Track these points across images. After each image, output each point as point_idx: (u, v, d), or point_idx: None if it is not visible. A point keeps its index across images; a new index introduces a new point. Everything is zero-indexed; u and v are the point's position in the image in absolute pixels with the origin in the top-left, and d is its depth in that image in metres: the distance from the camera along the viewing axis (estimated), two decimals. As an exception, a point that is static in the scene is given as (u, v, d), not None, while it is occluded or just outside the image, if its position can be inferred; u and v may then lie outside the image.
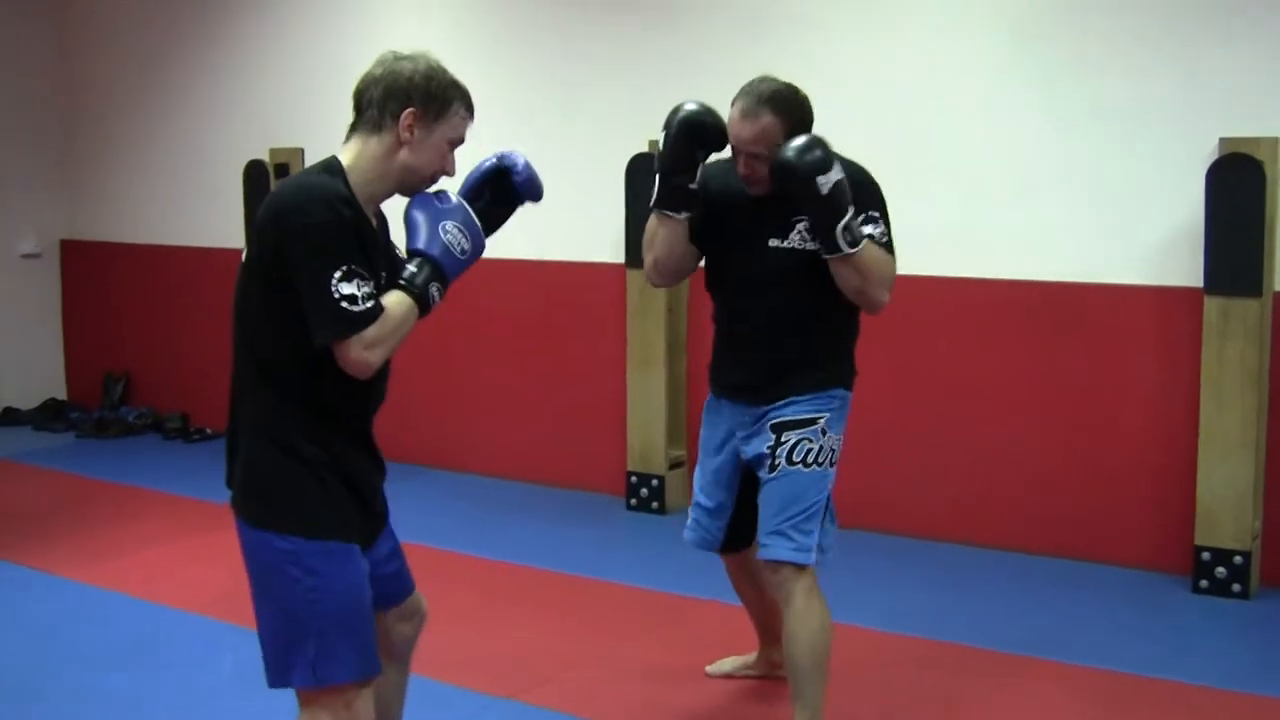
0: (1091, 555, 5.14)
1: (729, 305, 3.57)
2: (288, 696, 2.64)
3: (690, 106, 3.36)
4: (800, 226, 3.35)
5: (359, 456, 2.62)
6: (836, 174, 3.17)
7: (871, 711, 3.80)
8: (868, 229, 3.30)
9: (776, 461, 3.40)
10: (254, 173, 7.09)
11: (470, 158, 2.69)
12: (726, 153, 3.41)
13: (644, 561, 5.26)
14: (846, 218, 3.20)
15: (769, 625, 3.88)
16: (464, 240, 2.59)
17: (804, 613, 3.35)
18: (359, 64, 2.70)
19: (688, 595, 4.76)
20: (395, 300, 2.49)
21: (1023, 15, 5.18)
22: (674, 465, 5.98)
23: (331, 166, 2.53)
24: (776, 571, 3.39)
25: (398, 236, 2.68)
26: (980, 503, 5.38)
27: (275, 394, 2.51)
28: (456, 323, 5.89)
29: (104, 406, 8.10)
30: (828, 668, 3.38)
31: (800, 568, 3.36)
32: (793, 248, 3.37)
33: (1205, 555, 4.76)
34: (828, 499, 3.44)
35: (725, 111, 3.37)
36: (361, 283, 2.41)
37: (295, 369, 2.49)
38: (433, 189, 2.65)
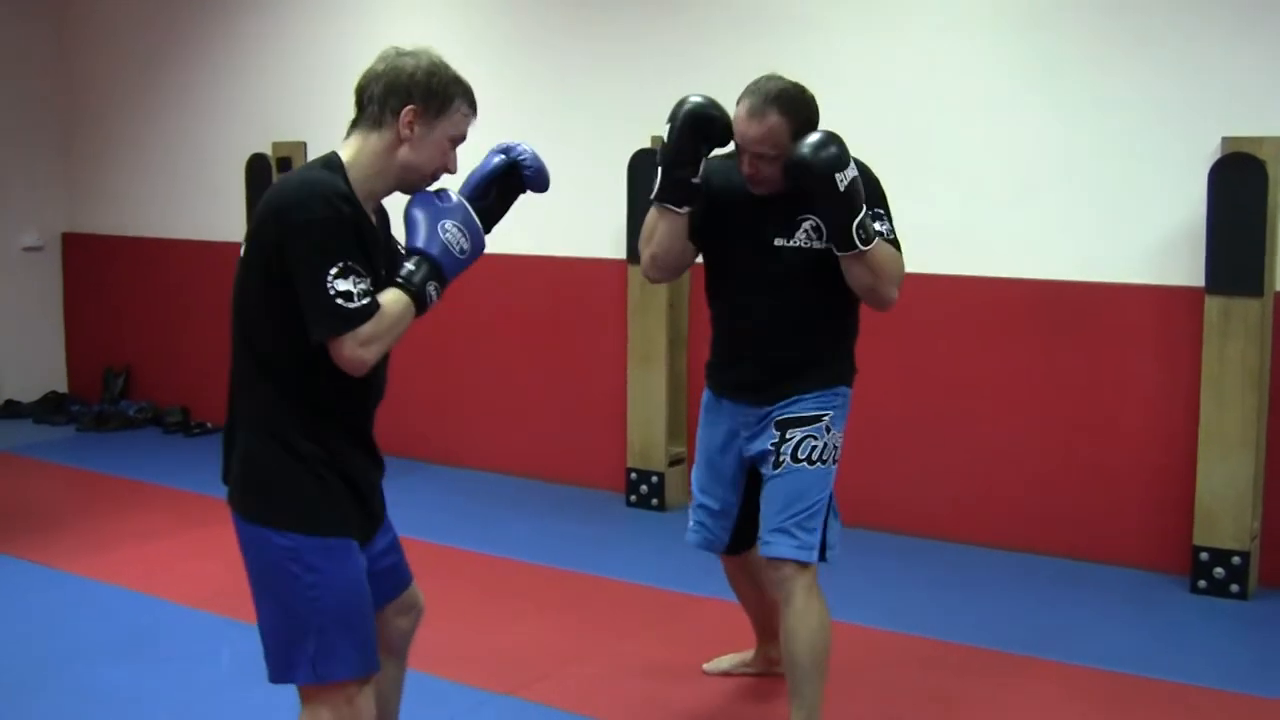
0: (1090, 555, 5.14)
1: (731, 303, 3.55)
2: (286, 691, 2.65)
3: (696, 99, 3.34)
4: (806, 225, 3.34)
5: (357, 453, 2.62)
6: (852, 171, 3.17)
7: (871, 710, 3.80)
8: (876, 225, 3.29)
9: (781, 458, 3.39)
10: (256, 167, 7.09)
11: (470, 155, 2.69)
12: (729, 147, 3.40)
13: (643, 558, 5.26)
14: (861, 215, 3.20)
15: (767, 623, 3.88)
16: (463, 239, 2.58)
17: (804, 611, 3.34)
18: (361, 57, 2.70)
19: (687, 592, 4.77)
20: (392, 298, 2.48)
21: (1024, 14, 5.18)
22: (674, 462, 5.98)
23: (331, 162, 2.52)
24: (778, 569, 3.38)
25: (400, 232, 2.67)
26: (980, 502, 5.38)
27: (273, 389, 2.51)
28: (457, 318, 5.89)
29: (104, 400, 8.11)
30: (826, 666, 3.38)
31: (802, 565, 3.35)
32: (799, 246, 3.37)
33: (1204, 555, 4.76)
34: (831, 496, 3.44)
35: (728, 108, 3.36)
36: (358, 279, 2.40)
37: (293, 365, 2.49)
38: (433, 187, 2.64)
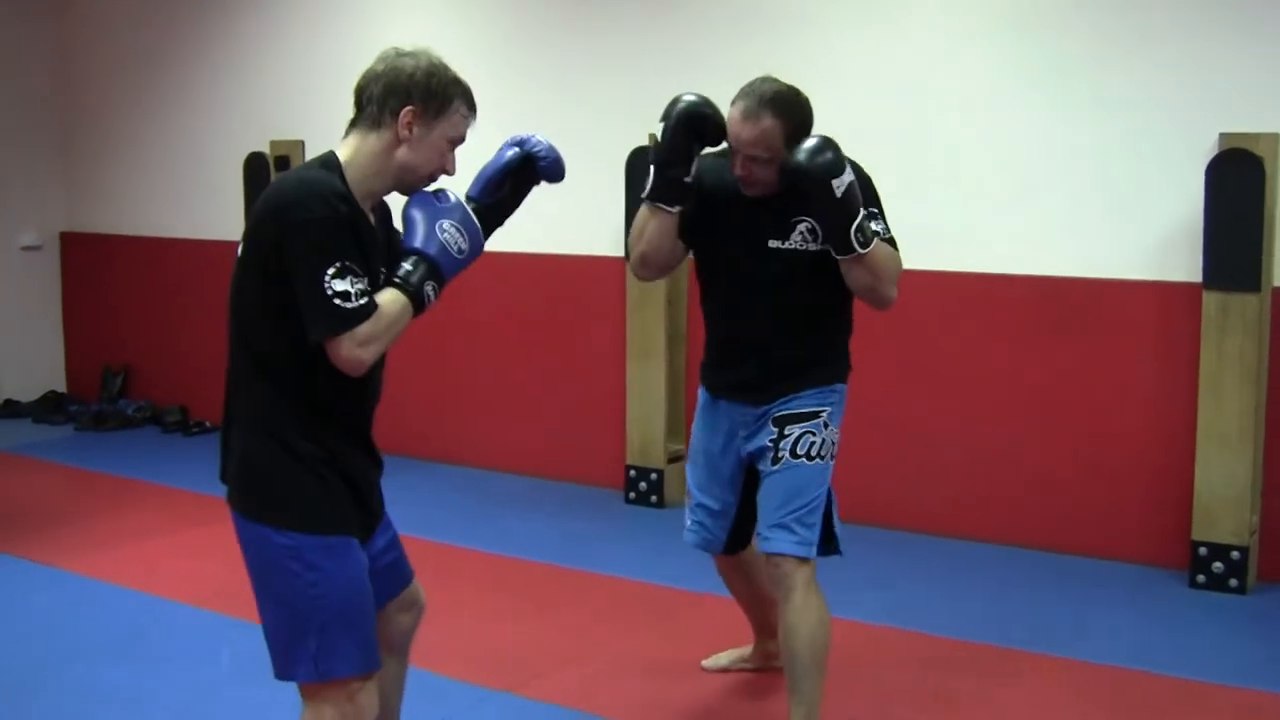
0: (1089, 550, 5.14)
1: (725, 303, 3.55)
2: (287, 689, 2.65)
3: (690, 98, 3.33)
4: (801, 227, 3.34)
5: (355, 453, 2.62)
6: (849, 175, 3.16)
7: (871, 706, 3.80)
8: (873, 225, 3.29)
9: (780, 454, 3.40)
10: (254, 165, 7.10)
11: (467, 153, 2.69)
12: (722, 145, 3.40)
13: (642, 555, 5.26)
14: (859, 218, 3.20)
15: (763, 618, 3.89)
16: (461, 239, 2.58)
17: (804, 607, 3.34)
18: (360, 56, 2.70)
19: (686, 589, 4.77)
20: (389, 298, 2.48)
21: (1022, 11, 5.18)
22: (673, 459, 5.98)
23: (329, 162, 2.52)
24: (778, 565, 3.38)
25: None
26: (978, 497, 5.39)
27: (271, 389, 2.51)
28: (456, 317, 5.89)
29: (103, 399, 8.11)
30: (826, 662, 3.38)
31: (801, 561, 3.36)
32: (794, 249, 3.36)
33: (1203, 550, 4.76)
34: (830, 492, 3.45)
35: (724, 107, 3.35)
36: (355, 279, 2.40)
37: (291, 364, 2.49)
38: (432, 187, 2.64)
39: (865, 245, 3.21)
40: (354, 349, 2.42)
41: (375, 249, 2.54)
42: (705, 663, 4.05)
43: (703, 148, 3.36)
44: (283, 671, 2.57)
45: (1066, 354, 5.17)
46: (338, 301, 2.38)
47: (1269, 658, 4.16)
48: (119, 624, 4.50)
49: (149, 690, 3.92)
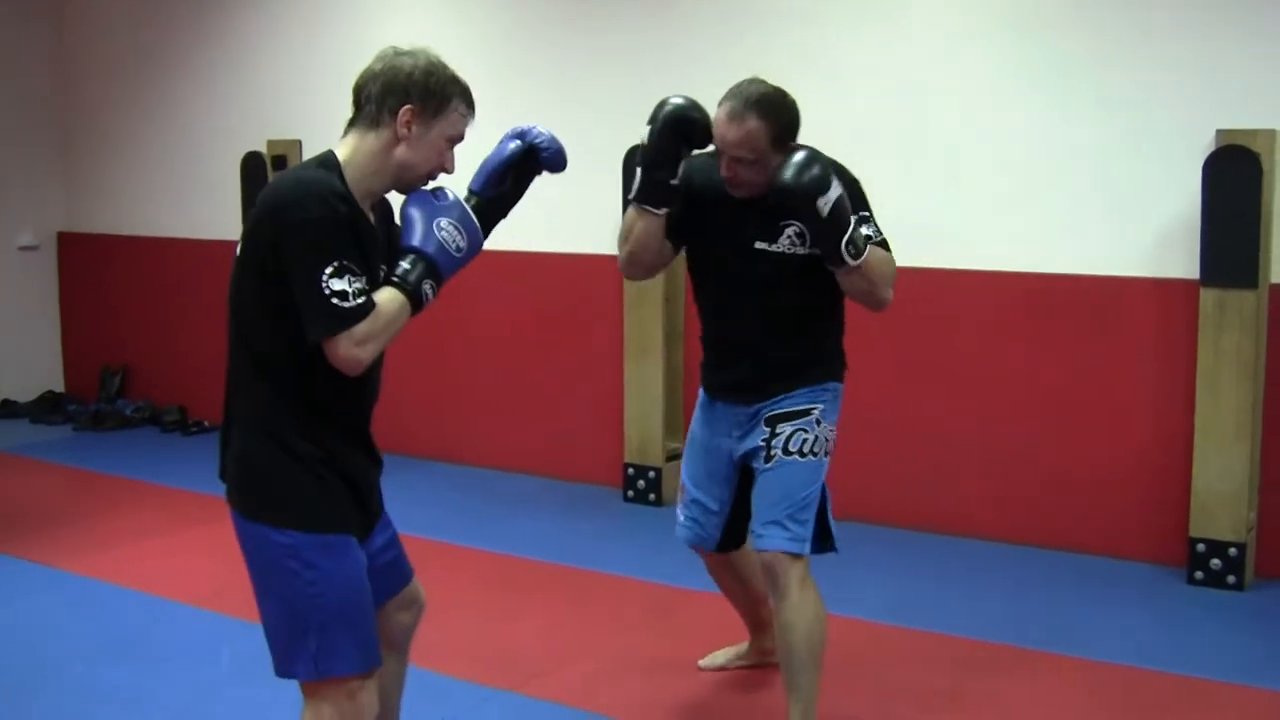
0: (1086, 547, 5.15)
1: (715, 304, 3.57)
2: (286, 688, 2.65)
3: (676, 101, 3.33)
4: (789, 230, 3.34)
5: (354, 453, 2.62)
6: (836, 190, 3.15)
7: (871, 703, 3.81)
8: (864, 230, 3.29)
9: (772, 452, 3.40)
10: (251, 165, 7.09)
11: (465, 152, 2.69)
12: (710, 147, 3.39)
13: (641, 553, 5.26)
14: (849, 231, 3.19)
15: (756, 616, 3.90)
16: (459, 238, 2.58)
17: (800, 604, 3.35)
18: (357, 55, 2.70)
19: (684, 587, 4.77)
20: (387, 297, 2.48)
21: (1021, 10, 5.18)
22: (671, 457, 5.98)
23: (328, 161, 2.53)
24: (772, 562, 3.39)
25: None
26: (976, 495, 5.39)
27: (270, 388, 2.52)
28: (454, 315, 5.89)
29: (101, 399, 8.10)
30: (822, 658, 3.39)
31: (795, 558, 3.36)
32: (782, 252, 3.36)
33: (1200, 547, 4.77)
34: (824, 490, 3.45)
35: (713, 107, 3.34)
36: (353, 279, 2.41)
37: (289, 364, 2.49)
38: (430, 186, 2.64)
39: (858, 256, 3.21)
40: (351, 348, 2.42)
41: (375, 248, 2.54)
42: (702, 662, 4.06)
43: (690, 150, 3.36)
44: (283, 669, 2.57)
45: (1064, 351, 5.17)
46: (335, 301, 2.38)
47: (1267, 654, 4.16)
48: (118, 624, 4.50)
49: (148, 690, 3.92)
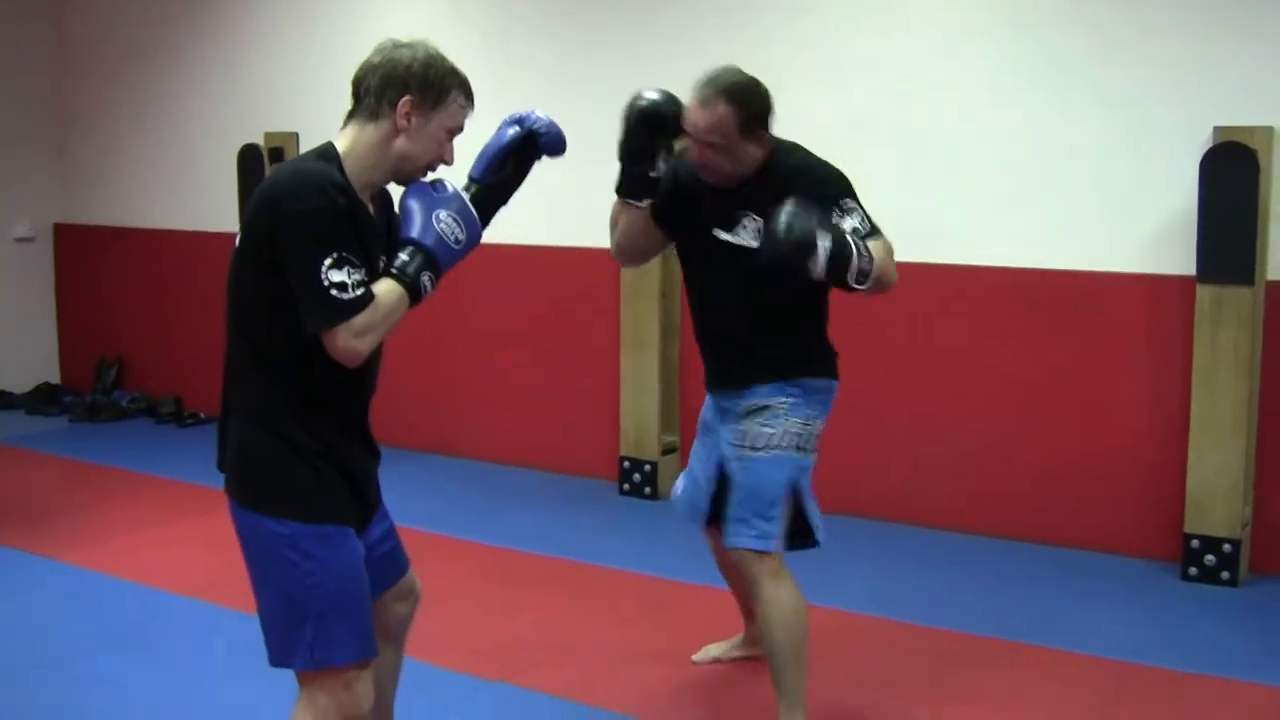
0: (1081, 542, 5.16)
1: (696, 295, 3.60)
2: (282, 679, 2.66)
3: (648, 96, 3.35)
4: (746, 221, 3.34)
5: (352, 444, 2.63)
6: (825, 241, 3.09)
7: (862, 696, 3.81)
8: (850, 222, 3.26)
9: (740, 449, 3.42)
10: (248, 157, 7.09)
11: (464, 143, 2.69)
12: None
13: (636, 547, 5.27)
14: (852, 264, 3.12)
15: (748, 602, 3.91)
16: (458, 230, 2.58)
17: (773, 600, 3.35)
18: (354, 47, 2.70)
19: (680, 580, 4.78)
20: (386, 289, 2.48)
21: (1019, 3, 5.19)
22: (667, 451, 5.99)
23: (327, 153, 2.53)
24: (740, 560, 3.41)
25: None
26: (971, 489, 5.40)
27: (268, 380, 2.52)
28: (450, 308, 5.88)
29: (97, 391, 8.10)
30: (805, 650, 3.37)
31: (762, 554, 3.36)
32: (741, 243, 3.35)
33: (1195, 543, 4.77)
34: (798, 484, 3.42)
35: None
36: (352, 270, 2.41)
37: (287, 355, 2.50)
38: (430, 177, 2.64)
39: (865, 280, 3.16)
40: (350, 340, 2.43)
41: (374, 239, 2.54)
42: (695, 656, 4.06)
43: (666, 141, 3.37)
44: (279, 660, 2.57)
45: (1061, 347, 5.18)
46: (334, 292, 2.39)
47: (1260, 650, 4.17)
48: (114, 615, 4.50)
49: (144, 680, 3.93)
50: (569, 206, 6.10)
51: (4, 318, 8.15)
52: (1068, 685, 3.89)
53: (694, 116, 3.30)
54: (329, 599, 2.51)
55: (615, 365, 6.06)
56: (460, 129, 2.64)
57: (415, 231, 2.54)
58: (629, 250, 3.59)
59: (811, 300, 3.45)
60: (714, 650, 4.07)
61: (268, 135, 7.01)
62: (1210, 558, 4.74)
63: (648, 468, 5.98)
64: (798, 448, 3.41)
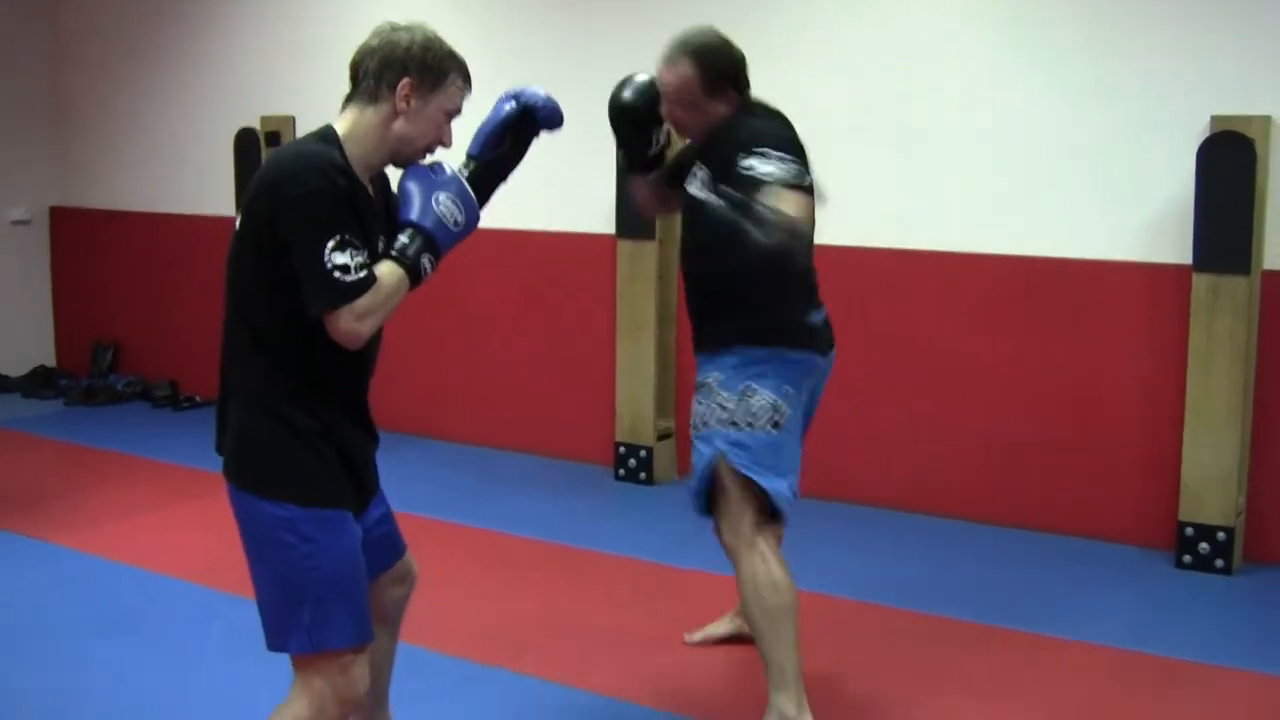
0: (1076, 529, 5.17)
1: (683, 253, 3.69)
2: (276, 663, 2.66)
3: (621, 97, 3.47)
4: (699, 174, 3.36)
5: (352, 428, 2.63)
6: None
7: (856, 681, 3.83)
8: (764, 167, 3.10)
9: (692, 431, 3.46)
10: (245, 141, 7.08)
11: (461, 126, 2.69)
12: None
13: (632, 532, 5.27)
14: (754, 213, 2.95)
15: None
16: (457, 212, 2.59)
17: (746, 573, 3.35)
18: (351, 31, 2.70)
19: (675, 565, 4.79)
20: (387, 271, 2.49)
21: (1016, -9, 5.19)
22: (662, 436, 6.00)
23: (327, 135, 2.53)
24: (717, 535, 3.44)
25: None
26: (964, 476, 5.41)
27: (268, 363, 2.52)
28: (447, 293, 5.88)
29: (93, 374, 8.09)
30: (788, 626, 3.33)
31: (732, 531, 3.37)
32: (693, 194, 3.38)
33: (1189, 531, 4.78)
34: (721, 456, 3.34)
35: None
36: (355, 252, 2.41)
37: (287, 339, 2.50)
38: (428, 160, 2.65)
39: (772, 236, 2.96)
40: (352, 322, 2.43)
41: (374, 221, 2.55)
42: (688, 637, 4.06)
43: (652, 122, 3.49)
44: (275, 643, 2.57)
45: (1057, 336, 5.18)
46: (337, 274, 2.39)
47: (1254, 638, 4.18)
48: (109, 598, 4.50)
49: (139, 664, 3.93)
50: (567, 192, 6.10)
51: (0, 301, 8.14)
52: (1062, 672, 3.90)
53: (662, 75, 3.40)
54: (326, 582, 2.51)
55: (611, 350, 6.06)
56: (458, 111, 2.65)
57: (414, 214, 2.55)
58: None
59: (754, 258, 3.39)
60: (709, 629, 4.07)
61: (264, 119, 6.99)
62: (1204, 546, 4.75)
63: (643, 453, 5.98)
64: (731, 423, 3.34)
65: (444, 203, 2.57)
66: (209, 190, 7.40)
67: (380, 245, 2.54)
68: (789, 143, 3.28)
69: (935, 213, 5.34)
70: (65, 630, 4.19)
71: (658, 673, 3.89)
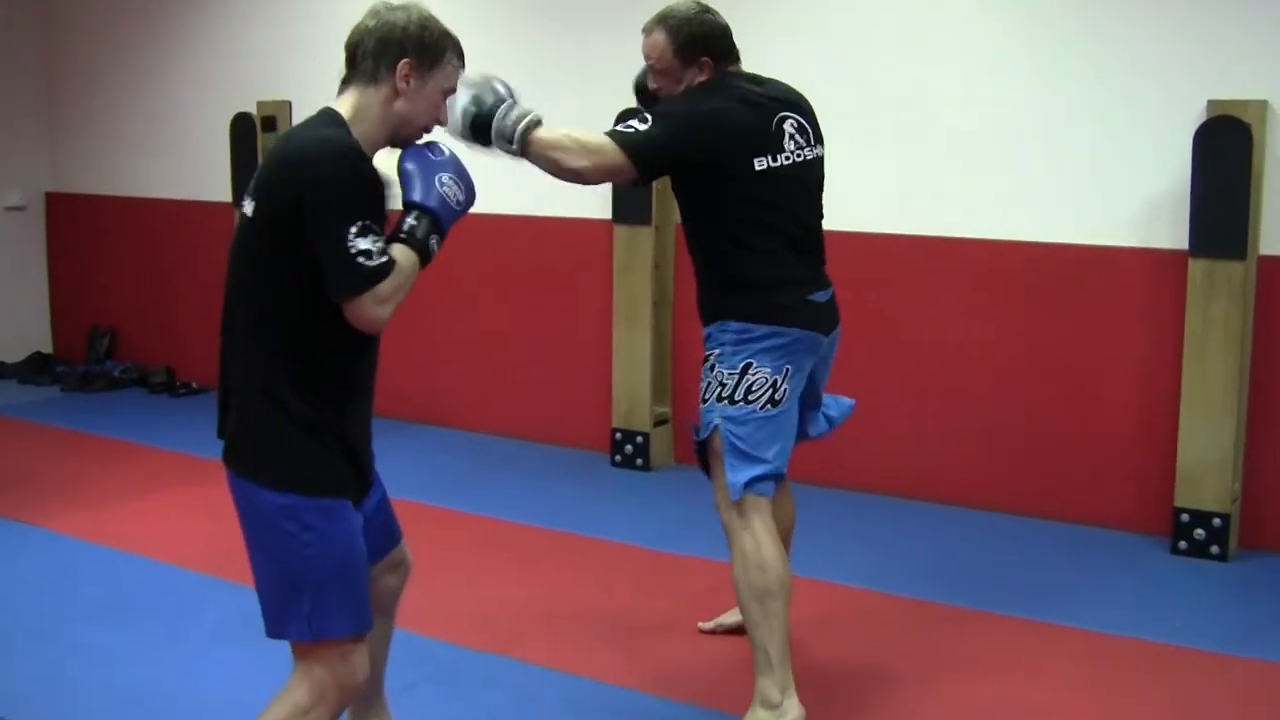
0: (1072, 515, 5.17)
1: None
2: (272, 650, 2.66)
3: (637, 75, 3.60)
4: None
5: (355, 416, 2.63)
6: (465, 100, 3.20)
7: (850, 667, 3.83)
8: (631, 122, 3.33)
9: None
10: (241, 126, 7.06)
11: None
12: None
13: (628, 518, 5.28)
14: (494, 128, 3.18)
15: None
16: (459, 192, 2.62)
17: (739, 555, 3.34)
18: (346, 14, 2.70)
19: (671, 552, 4.79)
20: (400, 254, 2.50)
21: (1013, -25, 5.18)
22: (659, 422, 6.00)
23: (336, 120, 2.53)
24: (718, 509, 3.43)
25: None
26: (962, 462, 5.41)
27: (273, 349, 2.51)
28: (443, 278, 5.85)
29: (89, 360, 8.09)
30: (776, 609, 3.30)
31: (729, 504, 3.36)
32: None
33: (1185, 517, 4.79)
34: (731, 428, 3.34)
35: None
36: (375, 238, 2.43)
37: (297, 325, 2.49)
38: (424, 140, 2.66)
39: (513, 140, 3.18)
40: (374, 307, 2.45)
41: (384, 204, 2.55)
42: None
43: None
44: (275, 630, 2.57)
45: (1052, 320, 5.18)
46: (361, 260, 2.40)
47: (1249, 624, 4.19)
48: (105, 584, 4.51)
49: (134, 650, 3.93)
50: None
51: (-5, 287, 8.15)
52: (1057, 658, 3.90)
53: (642, 46, 3.48)
54: (326, 571, 2.51)
55: (608, 336, 6.06)
56: (454, 89, 2.68)
57: (418, 195, 2.57)
58: None
59: (720, 226, 3.38)
60: (721, 618, 4.06)
61: (260, 104, 6.98)
62: (1200, 532, 4.76)
63: (640, 439, 5.98)
64: (730, 399, 3.34)
65: (447, 183, 2.60)
66: (205, 175, 7.38)
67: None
68: (694, 118, 3.33)
69: (933, 198, 5.33)
70: (60, 616, 4.20)
71: (655, 659, 3.89)
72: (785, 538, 3.68)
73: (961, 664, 3.86)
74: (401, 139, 2.62)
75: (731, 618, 3.99)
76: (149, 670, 3.79)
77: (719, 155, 3.29)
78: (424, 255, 2.54)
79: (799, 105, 3.48)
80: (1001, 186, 5.24)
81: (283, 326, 2.50)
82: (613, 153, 3.26)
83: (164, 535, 5.01)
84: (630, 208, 5.79)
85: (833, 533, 4.87)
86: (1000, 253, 5.25)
